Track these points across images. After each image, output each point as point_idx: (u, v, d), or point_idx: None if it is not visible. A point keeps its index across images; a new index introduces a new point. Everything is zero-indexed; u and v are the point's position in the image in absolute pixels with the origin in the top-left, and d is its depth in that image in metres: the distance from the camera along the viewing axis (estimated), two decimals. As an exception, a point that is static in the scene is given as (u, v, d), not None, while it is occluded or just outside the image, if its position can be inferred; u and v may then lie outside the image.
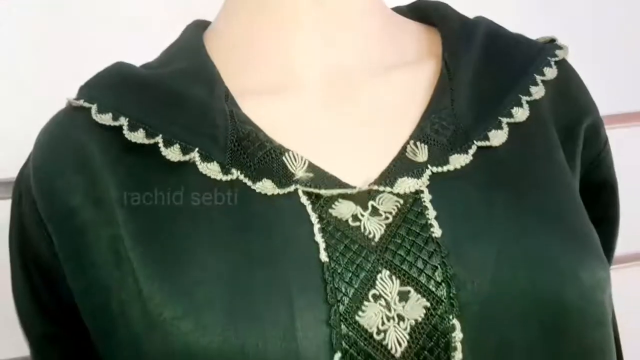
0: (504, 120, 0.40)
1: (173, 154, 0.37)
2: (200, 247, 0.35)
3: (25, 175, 0.42)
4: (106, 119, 0.39)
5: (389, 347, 0.33)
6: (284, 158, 0.37)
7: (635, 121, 0.70)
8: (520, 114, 0.40)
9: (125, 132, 0.38)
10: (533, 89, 0.41)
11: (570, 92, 0.45)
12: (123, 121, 0.39)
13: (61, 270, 0.39)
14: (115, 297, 0.36)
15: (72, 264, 0.38)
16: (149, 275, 0.35)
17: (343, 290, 0.33)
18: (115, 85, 0.42)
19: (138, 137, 0.38)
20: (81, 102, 0.40)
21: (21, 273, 0.41)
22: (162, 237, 0.36)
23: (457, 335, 0.33)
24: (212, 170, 0.37)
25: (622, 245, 0.51)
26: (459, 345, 0.33)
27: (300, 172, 0.36)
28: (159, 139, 0.38)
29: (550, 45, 0.45)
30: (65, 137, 0.41)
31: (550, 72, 0.43)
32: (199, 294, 0.33)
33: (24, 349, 0.54)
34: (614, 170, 0.47)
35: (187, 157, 0.37)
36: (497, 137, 0.39)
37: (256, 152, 0.37)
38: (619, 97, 0.53)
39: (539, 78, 0.42)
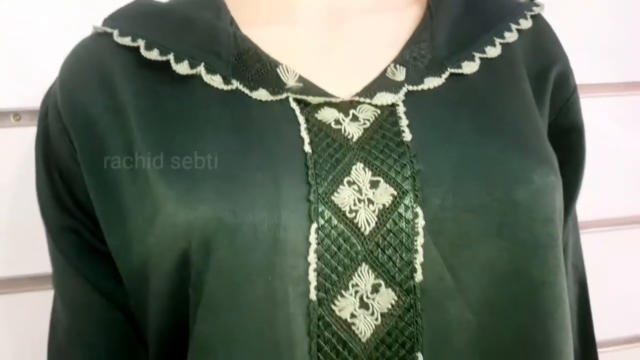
0: (477, 54, 0.45)
1: (182, 68, 0.43)
2: (202, 140, 0.40)
3: (52, 92, 0.47)
4: (126, 40, 0.45)
5: (359, 225, 0.38)
6: (277, 70, 0.42)
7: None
8: (493, 51, 0.45)
9: (142, 51, 0.44)
10: (507, 34, 0.46)
11: (542, 43, 0.49)
12: (140, 42, 0.44)
13: (79, 172, 0.44)
14: (126, 192, 0.41)
15: (88, 164, 0.44)
16: (158, 170, 0.40)
17: (322, 175, 0.38)
18: (134, 16, 0.47)
19: (153, 54, 0.43)
20: (105, 29, 0.46)
21: (44, 174, 0.47)
22: (171, 138, 0.41)
23: (420, 222, 0.38)
24: (215, 81, 0.42)
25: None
26: (421, 231, 0.38)
27: (291, 82, 0.41)
28: (170, 56, 0.43)
29: (529, 3, 0.50)
30: (89, 57, 0.46)
31: (525, 23, 0.47)
32: (199, 173, 0.38)
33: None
34: (581, 115, 0.51)
35: (194, 71, 0.42)
36: (469, 67, 0.44)
37: (254, 65, 0.42)
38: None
39: (513, 26, 0.47)
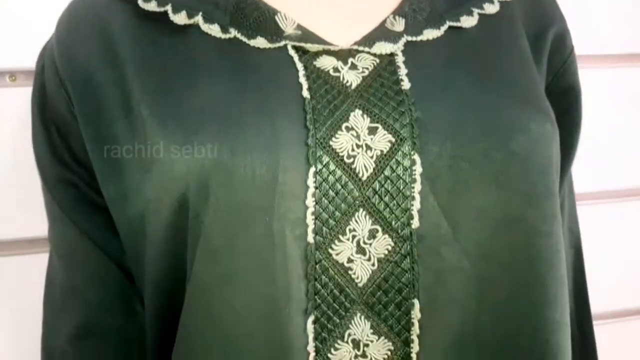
0: (475, 10, 0.45)
1: (180, 18, 0.42)
2: (199, 85, 0.40)
3: (49, 47, 0.47)
4: None
5: (357, 170, 0.38)
6: (276, 18, 0.42)
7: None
8: (491, 8, 0.45)
9: (140, 2, 0.43)
10: None
11: (540, 3, 0.49)
12: None
13: (76, 125, 0.44)
14: (123, 145, 0.41)
15: (85, 117, 0.44)
16: (155, 118, 0.40)
17: (320, 121, 0.38)
18: None
19: (150, 5, 0.43)
20: None
21: (41, 128, 0.47)
22: (168, 85, 0.41)
23: (418, 169, 0.38)
24: (213, 30, 0.42)
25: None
26: (418, 178, 0.38)
27: (289, 30, 0.41)
28: (168, 7, 0.43)
29: None
30: (86, 11, 0.46)
31: None
32: (196, 117, 0.38)
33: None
34: (578, 76, 0.51)
35: (191, 21, 0.42)
36: (467, 21, 0.44)
37: (252, 13, 0.42)
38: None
39: None
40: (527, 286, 0.39)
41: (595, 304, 0.56)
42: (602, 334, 0.60)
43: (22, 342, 0.62)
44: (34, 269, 0.60)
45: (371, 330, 0.38)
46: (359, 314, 0.38)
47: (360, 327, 0.38)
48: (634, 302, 0.79)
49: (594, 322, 0.55)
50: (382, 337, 0.38)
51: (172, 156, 0.38)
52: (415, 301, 0.38)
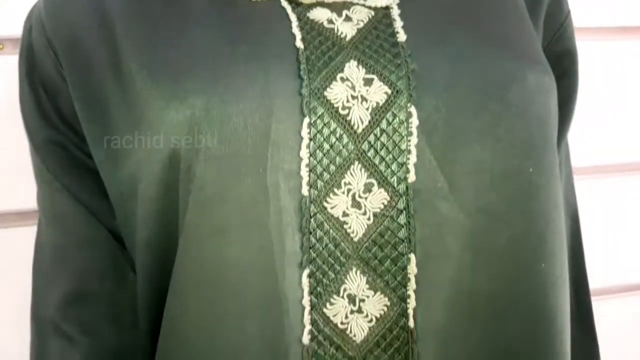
0: None
1: None
2: (189, 37, 0.39)
3: (36, 8, 0.46)
4: None
5: (352, 122, 0.37)
6: None
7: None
8: None
9: None
10: None
11: None
12: None
13: (64, 85, 0.43)
14: (113, 104, 0.40)
15: (74, 78, 0.43)
16: (144, 72, 0.39)
17: (314, 71, 0.37)
18: None
19: None
20: None
21: (28, 90, 0.45)
22: (158, 38, 0.40)
23: (414, 122, 0.37)
24: None
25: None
26: (414, 131, 0.37)
27: None
28: None
29: None
30: None
31: None
32: (186, 66, 0.37)
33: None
34: (574, 40, 0.51)
35: None
36: None
37: None
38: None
39: None
40: (525, 240, 0.39)
41: (593, 280, 0.56)
42: (600, 310, 0.60)
43: (11, 317, 0.61)
44: (23, 242, 0.59)
45: (367, 286, 0.38)
46: (354, 269, 0.37)
47: (356, 282, 0.37)
48: (631, 278, 0.79)
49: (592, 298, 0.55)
50: (378, 293, 0.38)
51: (162, 109, 0.37)
52: (412, 256, 0.37)
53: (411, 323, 0.38)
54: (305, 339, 0.37)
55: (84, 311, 0.45)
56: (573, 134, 0.54)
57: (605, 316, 0.72)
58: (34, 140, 0.46)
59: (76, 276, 0.45)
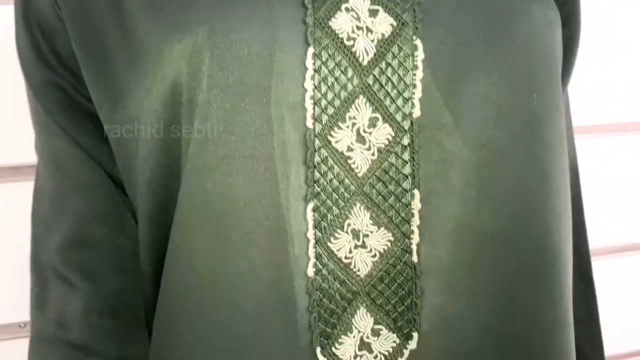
0: None
1: None
2: None
3: None
4: None
5: (357, 54, 0.36)
6: None
7: None
8: None
9: None
10: None
11: None
12: None
13: (62, 27, 0.42)
14: (113, 44, 0.40)
15: (72, 19, 0.42)
16: (145, 6, 0.38)
17: (319, 0, 0.36)
18: None
19: None
20: None
21: (24, 32, 0.44)
22: None
23: (420, 55, 0.37)
24: None
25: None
26: (420, 65, 0.37)
27: None
28: None
29: None
30: None
31: None
32: None
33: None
34: None
35: None
36: None
37: None
38: None
39: None
40: (529, 175, 0.39)
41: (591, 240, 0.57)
42: (599, 269, 0.60)
43: (7, 273, 0.61)
44: (19, 198, 0.59)
45: (371, 221, 0.38)
46: (358, 204, 0.37)
47: (360, 217, 0.37)
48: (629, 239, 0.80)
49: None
50: (382, 228, 0.38)
51: (164, 41, 0.37)
52: (416, 192, 0.37)
53: (414, 258, 0.38)
54: (310, 271, 0.37)
55: (84, 256, 0.45)
56: (572, 93, 0.54)
57: (601, 276, 0.73)
58: (31, 82, 0.45)
59: (75, 221, 0.45)
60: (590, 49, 0.71)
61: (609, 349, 0.58)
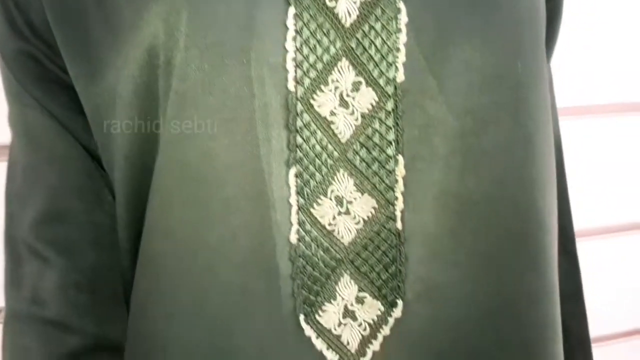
0: None
1: None
2: None
3: None
4: None
5: (340, 16, 0.36)
6: None
7: None
8: None
9: None
10: None
11: None
12: None
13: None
14: (89, 15, 0.38)
15: None
16: None
17: None
18: None
19: None
20: None
21: None
22: None
23: (403, 18, 0.36)
24: None
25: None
26: (403, 29, 0.36)
27: None
28: None
29: None
30: None
31: None
32: None
33: None
34: None
35: None
36: None
37: None
38: None
39: None
40: (514, 142, 0.38)
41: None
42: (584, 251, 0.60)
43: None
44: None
45: (354, 188, 0.37)
46: (341, 171, 0.37)
47: (344, 184, 0.37)
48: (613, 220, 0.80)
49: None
50: (366, 195, 0.37)
51: (141, 5, 0.35)
52: (400, 158, 0.37)
53: (399, 225, 0.37)
54: (293, 237, 0.36)
55: (59, 230, 0.43)
56: (555, 74, 0.54)
57: (586, 257, 0.73)
58: (3, 53, 0.43)
59: (50, 194, 0.43)
60: (573, 30, 0.71)
61: (595, 330, 0.58)
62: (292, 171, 0.36)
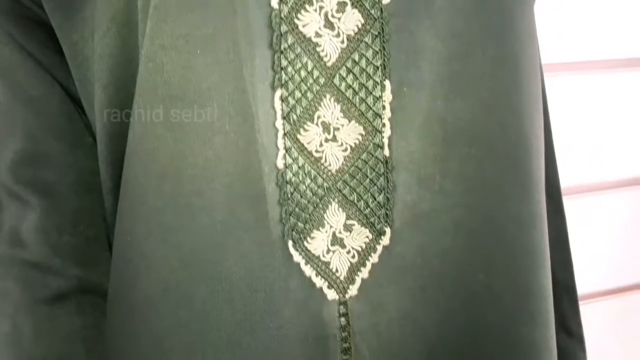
0: None
1: None
2: None
3: None
4: None
5: None
6: None
7: None
8: None
9: None
10: None
11: None
12: None
13: None
14: None
15: None
16: None
17: None
18: None
19: None
20: None
21: None
22: None
23: None
24: None
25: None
26: None
27: None
28: None
29: None
30: None
31: None
32: None
33: None
34: None
35: None
36: None
37: None
38: None
39: None
40: (501, 66, 0.38)
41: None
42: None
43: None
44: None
45: (341, 114, 0.36)
46: (328, 96, 0.36)
47: (330, 109, 0.36)
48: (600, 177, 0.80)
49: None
50: (353, 121, 0.36)
51: None
52: (387, 83, 0.36)
53: (386, 152, 0.37)
54: (280, 163, 0.35)
55: (38, 172, 0.42)
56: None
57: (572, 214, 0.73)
58: None
59: (28, 135, 0.42)
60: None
61: (582, 288, 0.58)
62: (278, 94, 0.35)
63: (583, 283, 0.70)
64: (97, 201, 0.43)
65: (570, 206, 0.76)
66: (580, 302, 0.54)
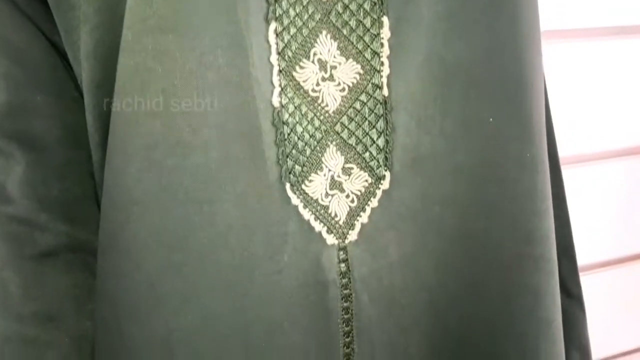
0: None
1: None
2: None
3: None
4: None
5: None
6: None
7: None
8: None
9: None
10: None
11: None
12: None
13: None
14: None
15: None
16: None
17: None
18: None
19: None
20: None
21: None
22: None
23: None
24: None
25: None
26: None
27: None
28: None
29: None
30: None
31: None
32: None
33: None
34: None
35: None
36: None
37: None
38: None
39: None
40: (499, 7, 0.36)
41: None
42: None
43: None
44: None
45: (338, 52, 0.35)
46: (324, 32, 0.35)
47: (327, 46, 0.35)
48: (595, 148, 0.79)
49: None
50: (351, 60, 0.35)
51: None
52: (385, 19, 0.35)
53: (385, 92, 0.35)
54: (275, 101, 0.34)
55: (23, 125, 0.40)
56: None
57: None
58: None
59: (10, 86, 0.40)
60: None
61: (582, 259, 0.57)
62: (272, 27, 0.34)
63: (582, 253, 0.69)
64: (85, 157, 0.42)
65: (569, 176, 0.76)
66: (580, 273, 0.53)
